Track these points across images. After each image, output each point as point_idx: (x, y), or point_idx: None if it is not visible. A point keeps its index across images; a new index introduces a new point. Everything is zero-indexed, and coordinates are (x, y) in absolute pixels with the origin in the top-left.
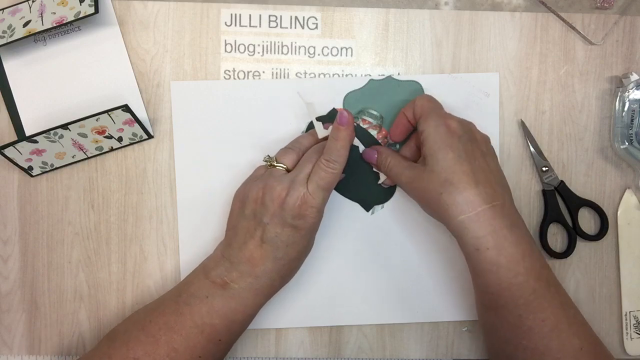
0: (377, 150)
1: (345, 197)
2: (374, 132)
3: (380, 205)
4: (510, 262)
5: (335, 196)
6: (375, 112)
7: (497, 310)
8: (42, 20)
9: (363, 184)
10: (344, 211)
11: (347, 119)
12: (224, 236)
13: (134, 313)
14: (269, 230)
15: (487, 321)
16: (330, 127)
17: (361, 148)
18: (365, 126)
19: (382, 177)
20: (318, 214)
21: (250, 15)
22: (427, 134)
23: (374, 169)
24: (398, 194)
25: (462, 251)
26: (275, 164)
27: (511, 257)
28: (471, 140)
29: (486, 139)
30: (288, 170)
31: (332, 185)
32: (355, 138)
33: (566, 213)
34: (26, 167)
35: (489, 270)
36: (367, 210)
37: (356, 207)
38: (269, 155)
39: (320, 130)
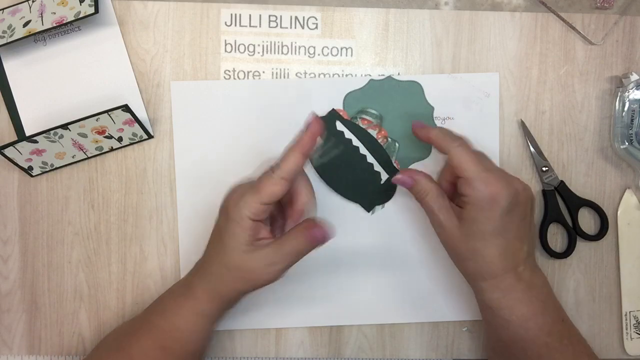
0: (414, 179)
1: (346, 197)
2: (373, 132)
3: (381, 206)
4: (520, 320)
5: (336, 197)
6: (374, 112)
7: (508, 359)
8: (42, 20)
9: (363, 185)
10: (345, 212)
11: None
12: None
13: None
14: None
15: None
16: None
17: (361, 148)
18: (364, 126)
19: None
20: (238, 212)
21: (250, 15)
22: (468, 200)
23: (375, 169)
24: (398, 194)
25: (477, 301)
26: None
27: (522, 315)
28: (511, 209)
29: (527, 195)
30: None
31: (266, 189)
32: (355, 137)
33: (566, 213)
34: (26, 167)
35: (500, 325)
36: (368, 210)
37: (356, 207)
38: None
39: None
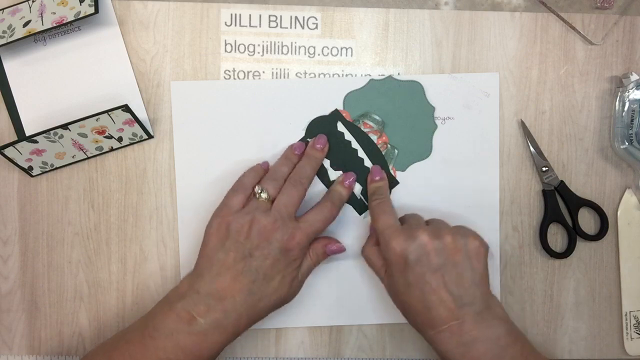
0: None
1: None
2: (374, 137)
3: None
4: None
5: None
6: (377, 117)
7: None
8: (42, 20)
9: (357, 187)
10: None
11: (324, 141)
12: None
13: (107, 340)
14: (252, 261)
15: None
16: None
17: (359, 151)
18: (366, 130)
19: None
20: (301, 251)
21: (250, 15)
22: (384, 256)
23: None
24: (393, 200)
25: None
26: (262, 195)
27: None
28: (419, 261)
29: (444, 245)
30: (272, 200)
31: (323, 227)
32: (354, 140)
33: (566, 213)
34: (26, 167)
35: None
36: (360, 213)
37: (349, 208)
38: (259, 186)
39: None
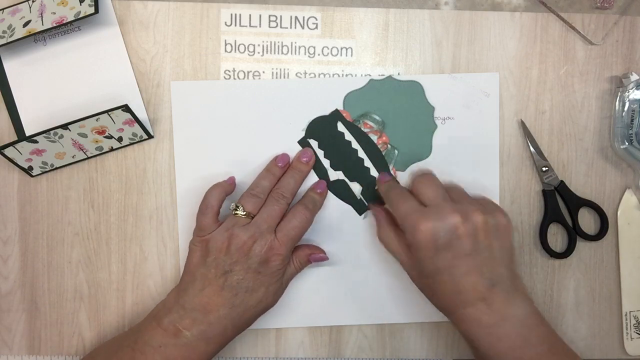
0: (376, 210)
1: (339, 197)
2: (374, 137)
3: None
4: (497, 354)
5: (329, 195)
6: (377, 117)
7: None
8: (42, 20)
9: (357, 187)
10: (337, 212)
11: (310, 155)
12: None
13: (96, 350)
14: (232, 276)
15: None
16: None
17: (360, 151)
18: (366, 130)
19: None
20: (282, 262)
21: (250, 15)
22: (408, 241)
23: (371, 173)
24: None
25: None
26: (238, 212)
27: (499, 351)
28: (450, 245)
29: (475, 227)
30: (251, 216)
31: (300, 233)
32: (354, 141)
33: (566, 213)
34: (26, 167)
35: (480, 357)
36: (360, 214)
37: (349, 208)
38: (234, 204)
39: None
